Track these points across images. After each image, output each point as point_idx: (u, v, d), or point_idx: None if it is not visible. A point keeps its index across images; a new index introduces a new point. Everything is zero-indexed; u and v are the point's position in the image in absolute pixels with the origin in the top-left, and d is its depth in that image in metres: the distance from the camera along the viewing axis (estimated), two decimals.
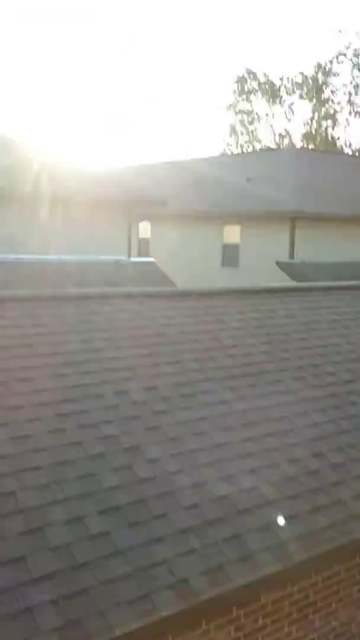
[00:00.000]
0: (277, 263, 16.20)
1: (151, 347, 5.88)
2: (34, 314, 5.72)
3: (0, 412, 4.38)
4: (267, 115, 45.93)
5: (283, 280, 15.41)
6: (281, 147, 44.00)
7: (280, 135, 46.09)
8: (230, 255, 19.74)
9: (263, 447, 4.96)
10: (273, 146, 44.84)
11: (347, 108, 44.39)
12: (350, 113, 44.54)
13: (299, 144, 44.19)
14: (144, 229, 22.47)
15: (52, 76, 59.64)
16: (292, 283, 13.97)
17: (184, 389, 5.39)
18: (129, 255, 14.75)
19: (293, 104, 44.98)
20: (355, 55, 42.80)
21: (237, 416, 5.26)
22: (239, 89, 45.19)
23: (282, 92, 44.68)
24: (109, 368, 5.31)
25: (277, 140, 45.95)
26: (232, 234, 19.89)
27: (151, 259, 15.59)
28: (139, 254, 20.41)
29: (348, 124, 47.70)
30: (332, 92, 44.16)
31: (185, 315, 6.82)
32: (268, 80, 44.61)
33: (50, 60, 58.84)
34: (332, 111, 44.64)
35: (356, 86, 43.60)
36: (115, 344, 5.75)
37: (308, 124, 45.38)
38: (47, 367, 5.03)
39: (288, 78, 44.37)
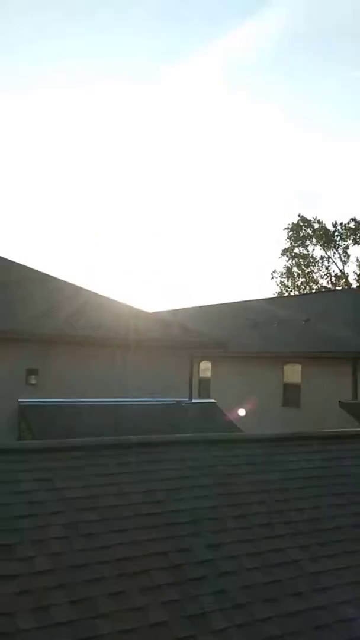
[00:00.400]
0: (341, 403, 15.82)
1: (215, 498, 5.66)
2: (99, 463, 5.69)
3: (60, 572, 4.21)
4: (322, 258, 47.52)
5: (348, 421, 14.94)
6: (338, 288, 44.87)
7: (336, 276, 47.23)
8: (291, 395, 19.47)
9: (337, 617, 4.51)
10: (330, 287, 45.81)
11: None
12: None
13: (355, 284, 44.99)
14: (205, 369, 22.70)
15: (114, 218, 64.14)
16: (357, 425, 13.50)
17: (251, 546, 5.07)
18: (190, 396, 14.80)
19: (348, 247, 46.51)
20: None
21: (309, 579, 4.86)
22: (294, 236, 47.39)
23: (337, 238, 46.47)
24: (172, 522, 5.11)
25: (334, 282, 47.01)
26: (293, 373, 19.77)
27: (212, 400, 15.58)
28: (200, 394, 20.46)
29: None
30: None
31: (249, 463, 6.62)
32: (322, 226, 46.70)
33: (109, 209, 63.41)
34: None
35: None
36: (179, 495, 5.58)
37: None
38: (110, 521, 4.89)
39: (342, 224, 46.35)
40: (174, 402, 13.44)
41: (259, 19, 33.76)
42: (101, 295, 16.16)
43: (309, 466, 6.85)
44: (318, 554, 5.22)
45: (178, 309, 29.48)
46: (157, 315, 20.04)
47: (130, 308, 15.86)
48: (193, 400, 14.80)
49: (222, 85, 42.99)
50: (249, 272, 77.69)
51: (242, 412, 16.32)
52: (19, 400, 12.20)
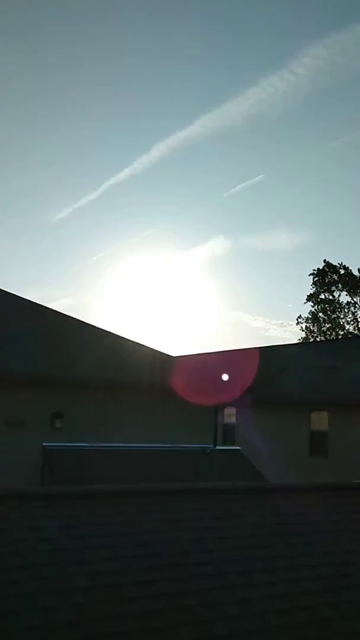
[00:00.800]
0: None
1: (241, 550, 5.50)
2: (123, 511, 5.60)
3: (83, 625, 4.10)
4: (348, 304, 47.25)
5: None
6: None
7: None
8: (318, 443, 19.05)
9: None
10: (356, 333, 45.35)
11: None
12: None
13: None
14: (230, 414, 22.44)
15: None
16: None
17: (280, 603, 4.89)
18: (215, 443, 14.59)
19: None
20: None
21: None
22: (320, 281, 47.33)
23: None
24: (197, 574, 4.97)
25: None
26: (320, 420, 19.41)
27: (237, 447, 15.33)
28: (225, 441, 20.16)
29: None
30: None
31: (276, 514, 6.44)
32: (348, 272, 46.60)
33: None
34: None
35: None
36: (204, 545, 5.44)
37: None
38: (134, 571, 4.78)
39: None
40: (199, 448, 13.25)
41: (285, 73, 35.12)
42: (127, 339, 16.24)
43: (337, 519, 6.64)
44: (349, 613, 5.00)
45: (204, 354, 29.42)
46: (182, 359, 20.03)
47: (156, 352, 15.88)
48: (218, 447, 14.57)
49: (247, 133, 44.18)
50: (273, 317, 77.56)
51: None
52: (44, 444, 12.17)
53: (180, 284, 62.23)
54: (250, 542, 5.69)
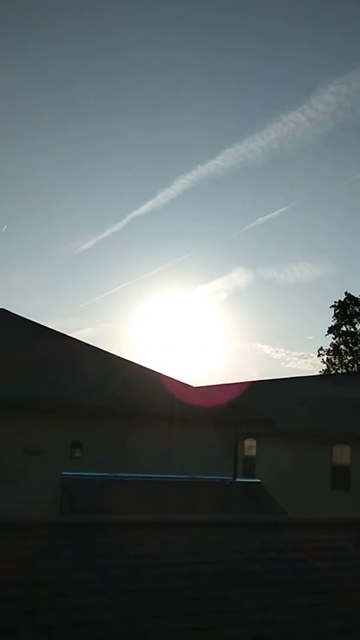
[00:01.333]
0: None
1: (260, 586, 5.39)
2: (141, 542, 5.55)
3: None
4: None
5: None
6: None
7: None
8: (340, 478, 18.68)
9: None
10: None
11: None
12: None
13: None
14: (250, 447, 22.18)
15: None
16: None
17: None
18: (235, 475, 14.40)
19: None
20: None
21: None
22: (341, 313, 47.03)
23: None
24: (215, 610, 4.88)
25: None
26: (342, 454, 19.06)
27: (257, 480, 15.12)
28: (244, 472, 19.90)
29: None
30: None
31: (296, 549, 6.31)
32: None
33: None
34: None
35: None
36: (222, 579, 5.35)
37: None
38: (151, 605, 4.71)
39: None
40: (219, 480, 13.10)
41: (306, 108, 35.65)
42: (148, 369, 16.26)
43: None
44: None
45: (224, 384, 29.28)
46: (203, 389, 19.95)
47: (176, 382, 15.86)
48: (237, 479, 14.38)
49: (268, 166, 44.67)
50: (294, 349, 76.97)
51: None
52: (63, 473, 12.14)
53: (201, 315, 62.31)
54: (269, 577, 5.58)
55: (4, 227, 47.36)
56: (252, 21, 34.43)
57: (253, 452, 22.16)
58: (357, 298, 46.93)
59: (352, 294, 47.14)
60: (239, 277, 61.65)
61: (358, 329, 47.26)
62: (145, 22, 34.13)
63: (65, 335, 17.58)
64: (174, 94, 39.53)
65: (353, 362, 47.06)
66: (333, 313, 47.58)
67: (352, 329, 47.39)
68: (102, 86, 39.17)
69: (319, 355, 48.67)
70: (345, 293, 47.33)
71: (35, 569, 4.87)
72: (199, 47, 35.69)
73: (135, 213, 49.91)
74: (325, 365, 48.06)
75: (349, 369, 46.18)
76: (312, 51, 37.39)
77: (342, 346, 47.79)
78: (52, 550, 5.21)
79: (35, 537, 5.37)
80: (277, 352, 70.31)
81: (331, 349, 48.07)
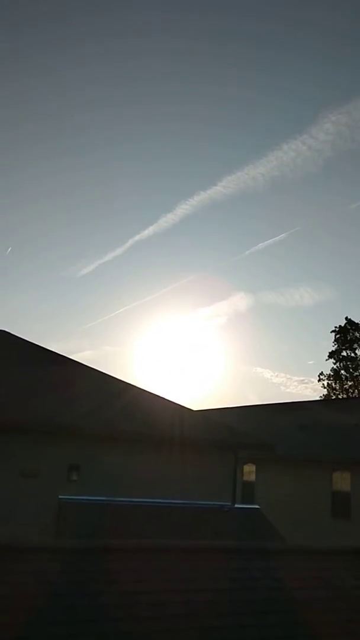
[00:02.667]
0: None
1: (258, 615, 5.27)
2: (136, 568, 5.44)
3: None
4: None
5: None
6: None
7: None
8: (340, 505, 18.43)
9: None
10: None
11: None
12: None
13: None
14: (249, 472, 21.95)
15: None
16: None
17: None
18: (234, 500, 14.21)
19: None
20: None
21: None
22: (342, 339, 46.99)
23: None
24: (210, 639, 4.76)
25: None
26: (342, 481, 18.85)
27: (256, 506, 14.91)
28: (244, 498, 19.65)
29: None
30: None
31: (294, 578, 6.19)
32: None
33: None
34: None
35: None
36: (219, 608, 5.23)
37: None
38: (146, 635, 4.59)
39: None
40: (217, 506, 12.92)
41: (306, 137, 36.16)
42: (148, 392, 16.17)
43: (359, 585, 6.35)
44: None
45: (224, 408, 29.10)
46: (202, 413, 19.82)
47: (176, 406, 15.75)
48: (236, 505, 14.19)
49: (269, 193, 45.08)
50: (294, 373, 76.69)
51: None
52: (59, 496, 11.99)
53: (201, 338, 62.26)
54: (267, 606, 5.46)
55: (9, 250, 47.64)
56: (253, 52, 35.14)
57: (252, 477, 21.92)
58: (357, 323, 46.95)
59: (352, 319, 47.21)
60: (239, 301, 61.75)
61: (358, 354, 47.17)
62: (148, 53, 34.81)
63: (65, 357, 17.54)
64: (176, 122, 40.14)
65: (354, 388, 46.86)
66: (333, 338, 47.57)
67: (353, 354, 47.31)
68: (106, 115, 39.84)
69: (319, 380, 48.52)
70: (346, 318, 47.39)
71: (27, 594, 4.76)
72: (201, 77, 36.37)
73: (137, 237, 50.29)
74: (325, 390, 47.87)
75: (349, 394, 45.96)
76: (313, 82, 38.08)
77: (342, 371, 47.64)
78: (44, 576, 5.10)
79: (27, 561, 5.27)
80: (277, 376, 70.04)
81: (332, 374, 47.92)
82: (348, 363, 47.35)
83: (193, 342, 64.44)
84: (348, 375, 47.42)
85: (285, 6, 32.89)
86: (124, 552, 5.74)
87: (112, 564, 5.50)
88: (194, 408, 19.37)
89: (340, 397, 45.75)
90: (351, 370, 47.27)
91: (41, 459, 12.36)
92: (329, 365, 48.65)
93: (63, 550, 5.72)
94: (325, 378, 48.11)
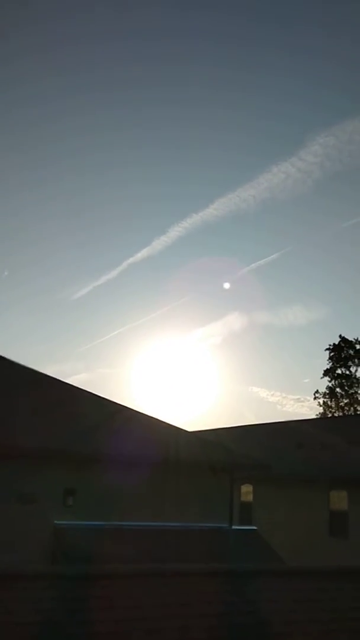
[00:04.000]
0: None
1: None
2: (132, 594, 5.42)
3: None
4: None
5: None
6: None
7: None
8: (338, 524, 18.33)
9: None
10: None
11: None
12: None
13: None
14: (246, 492, 21.83)
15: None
16: None
17: None
18: (231, 522, 14.14)
19: None
20: None
21: None
22: (336, 356, 47.07)
23: None
24: None
25: None
26: (339, 500, 18.76)
27: (253, 527, 14.85)
28: (241, 519, 19.52)
29: None
30: None
31: (292, 599, 6.17)
32: None
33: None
34: None
35: None
36: (215, 633, 5.21)
37: None
38: None
39: None
40: (214, 528, 12.86)
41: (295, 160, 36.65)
42: (143, 414, 16.14)
43: (358, 605, 6.33)
44: None
45: (219, 429, 29.01)
46: (198, 434, 19.77)
47: (171, 427, 15.72)
48: (233, 527, 14.11)
49: (260, 215, 45.57)
50: (290, 392, 76.61)
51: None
52: (55, 522, 11.90)
53: (196, 359, 62.25)
54: (264, 630, 5.44)
55: (5, 273, 47.74)
56: (242, 77, 35.74)
57: (250, 497, 21.80)
58: (351, 341, 47.07)
59: (346, 337, 47.33)
60: (233, 321, 61.84)
61: (353, 371, 47.25)
62: (140, 80, 35.44)
63: (59, 380, 17.51)
64: (168, 146, 40.68)
65: (349, 405, 46.82)
66: (328, 356, 47.64)
67: (348, 372, 47.35)
68: (99, 140, 40.31)
69: (315, 399, 48.47)
70: (340, 336, 47.51)
71: (22, 622, 4.74)
72: (193, 102, 36.93)
73: (131, 260, 50.57)
74: (321, 408, 47.80)
75: (345, 412, 45.91)
76: (300, 104, 38.72)
77: (337, 389, 47.63)
78: (40, 603, 5.09)
79: (23, 589, 5.25)
80: (272, 395, 69.83)
81: (327, 392, 47.89)
82: (343, 381, 47.37)
83: (188, 363, 64.35)
84: (343, 392, 47.41)
85: (273, 28, 33.61)
86: (119, 578, 5.72)
87: (108, 590, 5.49)
88: (190, 429, 19.33)
89: (336, 415, 45.69)
90: (346, 388, 47.28)
91: (37, 484, 12.29)
92: (324, 384, 48.68)
93: (59, 577, 5.71)
94: (321, 396, 48.10)
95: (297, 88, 37.01)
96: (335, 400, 47.46)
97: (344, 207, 48.15)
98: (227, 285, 52.20)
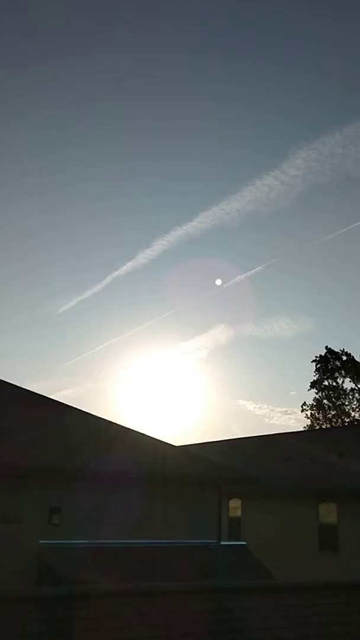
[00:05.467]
0: None
1: None
2: (120, 614, 5.29)
3: None
4: (352, 390, 46.84)
5: None
6: None
7: None
8: (328, 537, 18.20)
9: None
10: None
11: None
12: None
13: None
14: (235, 507, 21.66)
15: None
16: None
17: None
18: (219, 537, 13.98)
19: None
20: None
21: None
22: (323, 368, 47.18)
23: None
24: None
25: None
26: (329, 512, 18.66)
27: (242, 542, 14.70)
28: (230, 534, 19.33)
29: None
30: None
31: (282, 615, 6.07)
32: (350, 358, 46.58)
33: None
34: None
35: None
36: None
37: None
38: None
39: None
40: (202, 544, 12.70)
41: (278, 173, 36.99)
42: (130, 429, 15.98)
43: (351, 620, 6.25)
44: None
45: (207, 443, 28.86)
46: (184, 449, 19.62)
47: (158, 442, 15.57)
48: (222, 542, 13.95)
49: (244, 227, 45.84)
50: (277, 404, 76.66)
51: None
52: (40, 542, 11.67)
53: (183, 372, 62.12)
54: None
55: None
56: (225, 89, 36.09)
57: (238, 512, 21.62)
58: (337, 352, 47.23)
59: (332, 348, 47.50)
60: (219, 334, 61.92)
61: (340, 383, 47.37)
62: (122, 92, 35.64)
63: (44, 396, 17.32)
64: (153, 160, 40.92)
65: (337, 417, 46.87)
66: (315, 368, 47.75)
67: (335, 383, 47.45)
68: (82, 155, 40.43)
69: (302, 411, 48.45)
70: (326, 347, 47.65)
71: None
72: (174, 114, 37.18)
73: (115, 274, 50.39)
74: (309, 420, 47.79)
75: (332, 423, 45.94)
76: (283, 119, 39.15)
77: (325, 401, 47.68)
78: (24, 626, 4.94)
79: (7, 612, 5.10)
80: (260, 408, 69.83)
81: (314, 404, 47.92)
82: (330, 392, 47.45)
83: (175, 376, 64.15)
84: (331, 404, 47.47)
85: (256, 42, 34.04)
86: (106, 598, 5.59)
87: (94, 611, 5.36)
88: (177, 443, 19.18)
89: (323, 426, 45.68)
90: (333, 399, 47.35)
91: (22, 502, 12.07)
92: (311, 395, 48.72)
93: (44, 599, 5.56)
94: (308, 408, 48.10)
95: (280, 102, 37.46)
96: (322, 412, 47.50)
97: (327, 219, 48.60)
98: (212, 298, 52.33)
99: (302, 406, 48.56)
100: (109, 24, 30.78)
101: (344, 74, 36.35)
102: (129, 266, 47.36)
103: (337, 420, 46.41)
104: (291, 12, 30.26)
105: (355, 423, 44.10)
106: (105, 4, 30.11)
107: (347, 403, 47.12)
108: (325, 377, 47.43)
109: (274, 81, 36.98)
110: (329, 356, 47.27)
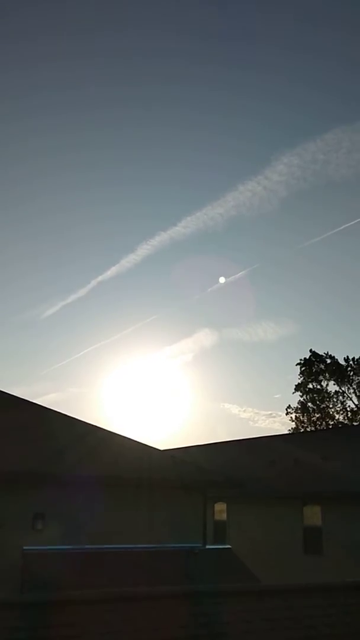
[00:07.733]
0: None
1: None
2: (104, 619, 5.25)
3: None
4: (336, 393, 47.13)
5: None
6: (354, 423, 44.00)
7: (352, 411, 46.50)
8: (312, 540, 18.24)
9: None
10: (346, 423, 44.92)
11: None
12: None
13: None
14: (220, 511, 21.63)
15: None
16: None
17: None
18: (204, 541, 13.93)
19: None
20: None
21: None
22: (307, 371, 47.42)
23: (350, 372, 46.43)
24: None
25: (350, 417, 46.17)
26: (313, 515, 18.70)
27: (227, 546, 14.68)
28: (216, 538, 19.30)
29: None
30: None
31: (265, 618, 6.07)
32: (334, 361, 46.87)
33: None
34: None
35: None
36: None
37: None
38: None
39: (353, 359, 46.55)
40: (187, 548, 12.65)
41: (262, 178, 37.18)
42: (114, 434, 15.90)
43: (334, 622, 6.26)
44: None
45: (192, 447, 28.82)
46: (168, 453, 19.57)
47: (143, 446, 15.51)
48: (207, 546, 13.91)
49: (228, 232, 46.01)
50: (262, 408, 76.83)
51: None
52: (23, 547, 11.54)
53: (167, 377, 62.06)
54: None
55: None
56: (208, 96, 36.25)
57: (224, 516, 21.59)
58: (322, 355, 47.50)
59: (317, 351, 47.75)
60: (204, 337, 61.92)
61: (324, 386, 47.62)
62: (107, 101, 35.67)
63: (28, 401, 17.18)
64: (134, 165, 40.93)
65: (321, 420, 47.09)
66: (299, 371, 47.95)
67: (319, 386, 47.70)
68: (64, 160, 40.33)
69: (287, 414, 48.63)
70: (310, 351, 47.90)
71: None
72: (159, 120, 37.26)
73: (99, 278, 50.34)
74: (294, 423, 47.96)
75: (317, 426, 46.15)
76: (266, 125, 39.40)
77: (309, 403, 47.91)
78: (7, 632, 4.87)
79: None
80: (244, 411, 69.86)
81: (299, 406, 48.12)
82: (315, 395, 47.68)
83: (159, 380, 64.03)
84: (315, 407, 47.70)
85: (238, 49, 34.22)
86: (90, 604, 5.53)
87: (78, 617, 5.30)
88: (162, 447, 19.13)
89: (308, 429, 45.88)
90: (318, 402, 47.58)
91: (5, 508, 11.94)
92: (296, 399, 48.96)
93: (27, 605, 5.49)
94: (293, 411, 48.29)
95: (262, 108, 37.73)
96: (307, 415, 47.72)
97: (309, 225, 48.93)
98: (197, 302, 52.38)
99: (286, 409, 48.79)
100: (99, 29, 30.76)
101: (325, 81, 36.75)
102: (113, 271, 47.33)
103: (321, 423, 46.66)
104: (271, 19, 30.51)
105: (340, 426, 44.36)
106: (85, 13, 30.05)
107: (331, 406, 47.39)
108: (309, 380, 47.68)
109: (256, 88, 37.28)
110: (314, 359, 47.54)
